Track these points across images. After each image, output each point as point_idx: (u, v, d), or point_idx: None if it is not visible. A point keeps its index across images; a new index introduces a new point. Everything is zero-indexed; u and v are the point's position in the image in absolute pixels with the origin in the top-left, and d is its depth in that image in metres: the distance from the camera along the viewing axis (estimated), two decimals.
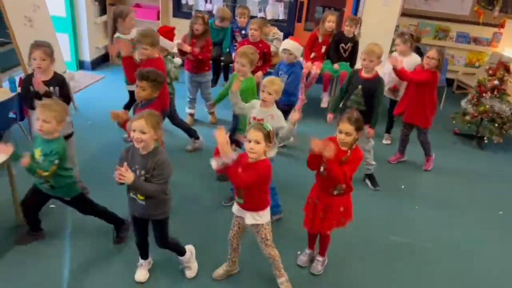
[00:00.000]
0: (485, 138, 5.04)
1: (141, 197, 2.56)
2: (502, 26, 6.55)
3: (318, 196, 2.84)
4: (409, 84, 4.32)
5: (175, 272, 2.96)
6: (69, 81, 4.98)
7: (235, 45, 5.26)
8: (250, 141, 2.47)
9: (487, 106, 4.90)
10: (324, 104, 5.34)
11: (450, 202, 4.07)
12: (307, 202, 2.93)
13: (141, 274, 2.87)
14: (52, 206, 3.40)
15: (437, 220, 3.78)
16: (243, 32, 5.22)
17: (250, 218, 2.66)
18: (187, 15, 6.52)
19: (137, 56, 3.69)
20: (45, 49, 3.13)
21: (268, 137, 2.48)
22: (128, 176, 2.38)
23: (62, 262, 2.97)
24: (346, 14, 6.08)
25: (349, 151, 2.72)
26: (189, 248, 2.93)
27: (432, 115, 4.31)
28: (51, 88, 3.17)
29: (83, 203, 3.04)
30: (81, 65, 6.18)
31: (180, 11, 6.58)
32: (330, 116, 3.97)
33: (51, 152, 2.72)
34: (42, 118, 2.66)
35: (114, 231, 3.16)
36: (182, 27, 6.30)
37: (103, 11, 6.30)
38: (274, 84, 3.12)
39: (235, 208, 2.73)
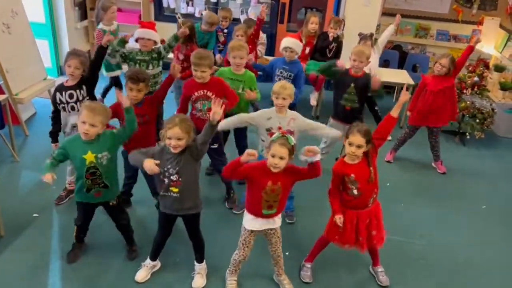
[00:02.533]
0: (467, 134, 5.12)
1: (175, 190, 2.61)
2: (480, 23, 6.67)
3: (358, 215, 2.76)
4: (426, 92, 4.34)
5: (181, 277, 2.95)
6: (50, 88, 4.94)
7: (219, 46, 5.25)
8: (273, 156, 2.46)
9: (468, 102, 4.98)
10: (313, 102, 5.39)
11: (435, 198, 4.12)
12: (344, 227, 2.77)
13: (142, 274, 2.87)
14: (36, 215, 3.37)
15: (422, 216, 3.82)
16: (225, 31, 5.22)
17: (277, 221, 2.68)
18: (169, 19, 6.50)
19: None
20: (81, 59, 3.18)
21: (292, 151, 2.48)
22: (219, 111, 2.54)
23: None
24: (328, 14, 6.11)
25: (371, 168, 2.67)
26: (205, 264, 2.95)
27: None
28: (78, 90, 3.23)
29: (121, 208, 3.01)
30: (62, 71, 6.10)
31: (162, 14, 6.55)
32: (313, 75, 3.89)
33: (113, 145, 2.76)
34: (89, 122, 2.60)
35: (128, 247, 3.09)
36: (164, 30, 6.29)
37: (83, 16, 6.24)
38: (286, 89, 3.12)
39: (260, 222, 2.66)
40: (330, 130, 3.35)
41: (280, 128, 3.17)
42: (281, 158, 2.44)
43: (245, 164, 2.54)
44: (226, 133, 3.82)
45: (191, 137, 2.57)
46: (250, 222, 2.68)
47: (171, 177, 2.60)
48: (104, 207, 2.93)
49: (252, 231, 2.70)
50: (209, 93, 3.33)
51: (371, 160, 2.70)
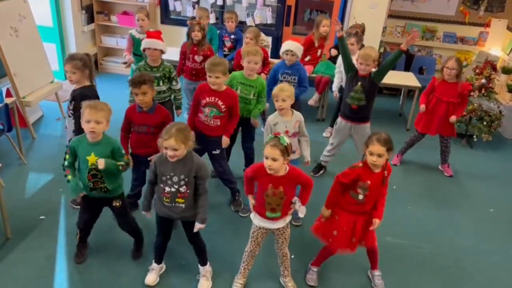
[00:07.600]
0: (474, 136, 5.08)
1: (181, 200, 2.62)
2: (487, 25, 6.64)
3: (355, 219, 2.75)
4: (436, 99, 4.28)
5: (187, 279, 2.95)
6: (57, 91, 4.98)
7: (224, 50, 5.26)
8: (267, 158, 2.45)
9: (476, 104, 4.95)
10: (311, 102, 5.30)
11: (442, 201, 4.09)
12: (339, 229, 2.78)
13: (152, 278, 2.88)
14: (42, 217, 3.39)
15: (429, 219, 3.79)
16: (232, 36, 5.22)
17: (281, 222, 2.69)
18: (175, 22, 6.53)
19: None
20: (76, 62, 3.13)
21: (286, 151, 2.44)
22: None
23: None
24: (334, 17, 6.11)
25: (385, 171, 2.67)
26: (210, 266, 2.97)
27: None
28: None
29: (126, 212, 2.99)
30: None
31: (168, 17, 6.58)
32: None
33: (115, 150, 2.72)
34: (94, 120, 2.59)
35: (134, 246, 3.11)
36: (170, 33, 6.33)
37: (90, 20, 6.28)
38: (285, 90, 3.13)
39: (266, 223, 2.68)
40: (304, 150, 3.36)
41: (287, 131, 3.18)
42: (274, 159, 2.43)
43: (247, 169, 2.66)
44: (233, 135, 3.83)
45: (190, 145, 2.54)
46: (256, 219, 2.72)
47: (180, 189, 2.59)
48: (110, 207, 2.92)
49: (259, 228, 2.72)
50: (219, 102, 3.31)
51: (386, 164, 2.68)
